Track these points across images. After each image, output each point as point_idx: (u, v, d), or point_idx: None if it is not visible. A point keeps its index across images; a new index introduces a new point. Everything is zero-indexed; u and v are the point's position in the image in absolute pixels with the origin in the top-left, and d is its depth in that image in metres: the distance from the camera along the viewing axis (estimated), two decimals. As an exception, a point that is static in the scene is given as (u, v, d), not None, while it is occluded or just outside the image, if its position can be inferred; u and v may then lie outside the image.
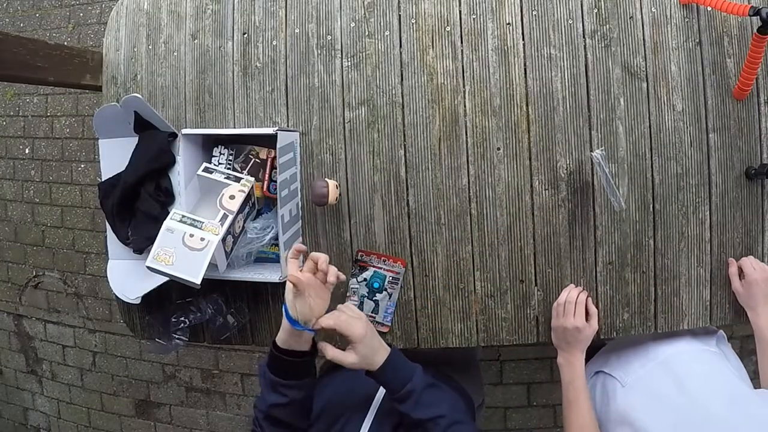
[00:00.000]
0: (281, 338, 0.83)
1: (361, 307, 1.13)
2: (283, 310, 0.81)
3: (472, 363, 1.37)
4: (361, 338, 0.80)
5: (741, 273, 1.07)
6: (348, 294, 1.15)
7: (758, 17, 0.89)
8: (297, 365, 0.84)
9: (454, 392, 1.02)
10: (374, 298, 1.12)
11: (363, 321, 0.83)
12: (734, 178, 1.09)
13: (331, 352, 0.81)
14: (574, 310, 1.05)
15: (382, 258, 1.09)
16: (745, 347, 1.84)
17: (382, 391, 0.92)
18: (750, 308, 1.05)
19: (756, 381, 1.03)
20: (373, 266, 1.11)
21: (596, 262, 1.11)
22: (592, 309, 1.07)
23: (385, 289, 1.10)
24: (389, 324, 1.14)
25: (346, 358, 0.81)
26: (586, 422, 0.99)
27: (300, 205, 1.17)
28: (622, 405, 1.03)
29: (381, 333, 1.06)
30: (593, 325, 1.06)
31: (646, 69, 1.09)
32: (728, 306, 1.10)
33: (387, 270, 1.09)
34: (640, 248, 1.10)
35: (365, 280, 1.11)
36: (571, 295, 1.07)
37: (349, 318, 0.82)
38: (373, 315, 1.13)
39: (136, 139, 1.18)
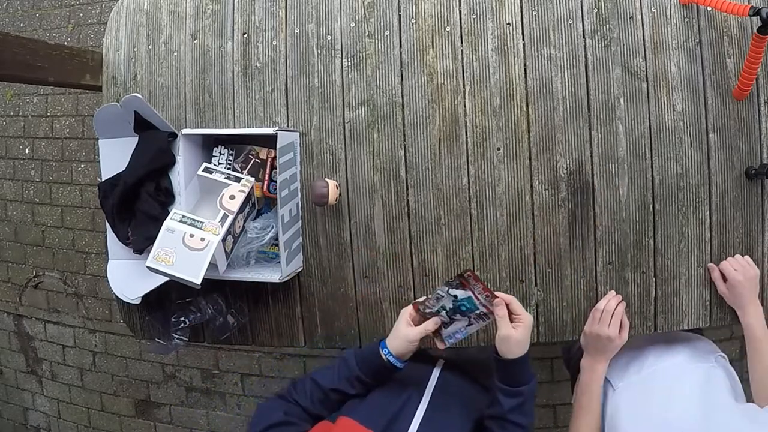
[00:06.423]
0: (394, 345, 0.89)
1: (435, 314, 0.97)
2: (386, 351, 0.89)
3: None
4: (529, 324, 0.87)
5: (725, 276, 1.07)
6: (430, 295, 0.96)
7: (758, 17, 0.89)
8: (391, 370, 0.90)
9: None
10: (453, 316, 0.95)
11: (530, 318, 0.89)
12: (734, 178, 1.09)
13: (502, 312, 0.86)
14: (610, 319, 1.04)
15: (486, 293, 0.90)
16: (744, 347, 1.83)
17: (434, 377, 0.97)
18: (738, 308, 1.06)
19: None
20: (472, 292, 0.93)
21: (596, 262, 1.11)
22: (625, 321, 1.06)
23: (469, 317, 0.95)
24: (448, 345, 0.98)
25: (508, 328, 0.85)
26: (592, 430, 1.00)
27: (300, 205, 1.17)
28: (609, 408, 1.04)
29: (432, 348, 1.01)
30: (623, 337, 1.05)
31: (646, 69, 1.09)
32: (728, 306, 1.10)
33: (482, 305, 0.92)
34: (640, 248, 1.10)
35: (456, 297, 0.93)
36: (611, 304, 1.06)
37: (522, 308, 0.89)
38: (443, 327, 0.97)
39: (136, 139, 1.18)
